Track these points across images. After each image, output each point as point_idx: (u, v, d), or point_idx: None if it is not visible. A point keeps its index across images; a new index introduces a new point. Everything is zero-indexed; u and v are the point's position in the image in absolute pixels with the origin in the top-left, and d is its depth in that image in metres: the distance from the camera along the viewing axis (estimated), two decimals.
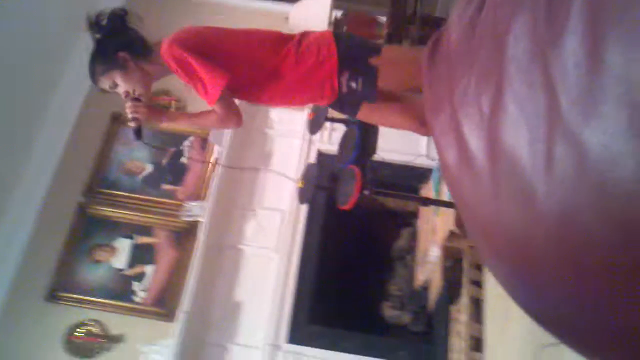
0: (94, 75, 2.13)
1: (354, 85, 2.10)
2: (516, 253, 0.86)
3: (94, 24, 2.08)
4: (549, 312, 0.85)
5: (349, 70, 2.09)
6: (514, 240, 0.84)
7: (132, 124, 2.17)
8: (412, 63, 2.20)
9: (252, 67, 2.12)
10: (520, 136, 0.79)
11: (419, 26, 3.63)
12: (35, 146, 3.81)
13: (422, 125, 2.32)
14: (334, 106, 2.29)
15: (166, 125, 2.23)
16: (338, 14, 3.87)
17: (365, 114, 2.31)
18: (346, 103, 2.22)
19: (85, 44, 2.10)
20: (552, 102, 0.72)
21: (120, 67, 2.08)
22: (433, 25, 3.78)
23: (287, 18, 3.81)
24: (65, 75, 4.03)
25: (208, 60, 2.01)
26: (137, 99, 2.10)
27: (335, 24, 3.81)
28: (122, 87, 2.11)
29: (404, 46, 3.01)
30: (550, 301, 0.82)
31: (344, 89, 2.10)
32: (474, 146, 0.90)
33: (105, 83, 2.11)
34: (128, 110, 2.14)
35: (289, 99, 2.26)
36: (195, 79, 2.01)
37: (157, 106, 2.26)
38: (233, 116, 2.11)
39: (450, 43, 1.03)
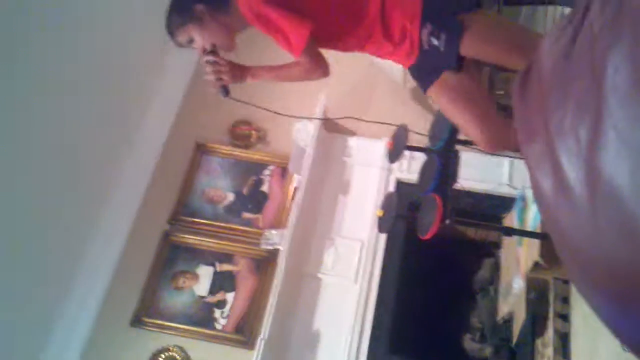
0: (170, 29, 2.10)
1: (435, 41, 1.94)
2: (619, 284, 0.83)
3: None
4: None
5: (431, 23, 1.93)
6: (617, 271, 0.82)
7: (214, 86, 2.13)
8: (510, 33, 2.03)
9: (336, 14, 2.04)
10: (621, 166, 0.77)
11: None
12: (124, 174, 3.96)
13: (488, 142, 2.19)
14: (412, 71, 2.17)
15: (250, 82, 2.15)
16: None
17: (437, 91, 2.14)
18: (424, 67, 2.08)
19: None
20: None
21: (196, 21, 2.04)
22: None
23: None
24: (151, 107, 4.19)
25: (288, 10, 1.93)
26: (213, 53, 2.07)
27: None
28: (198, 42, 2.07)
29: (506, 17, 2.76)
30: None
31: (425, 45, 1.96)
32: (572, 176, 0.88)
33: (182, 37, 2.09)
34: (208, 70, 2.11)
35: (373, 47, 2.15)
36: (275, 31, 1.96)
37: (236, 64, 2.20)
38: (319, 66, 2.05)
39: (542, 73, 1.01)
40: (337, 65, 4.22)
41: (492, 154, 2.79)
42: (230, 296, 3.65)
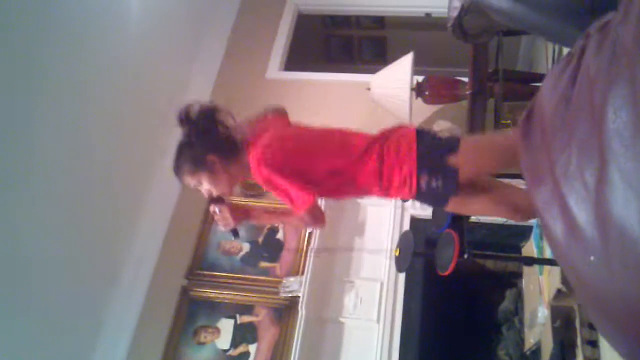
0: (179, 172, 2.22)
1: (434, 184, 2.10)
2: (637, 324, 0.82)
3: (184, 119, 2.17)
4: None
5: (427, 173, 2.09)
6: (634, 311, 0.81)
7: (223, 228, 2.29)
8: (491, 148, 2.23)
9: (335, 174, 2.17)
10: (629, 209, 0.78)
11: (501, 83, 3.59)
12: (140, 231, 3.97)
13: (516, 212, 2.34)
14: (419, 199, 2.28)
15: (253, 222, 2.43)
16: (419, 78, 3.90)
17: (454, 207, 2.32)
18: (429, 199, 2.26)
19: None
20: None
21: (208, 169, 2.15)
22: (516, 80, 3.74)
23: (368, 89, 3.87)
24: (162, 164, 4.23)
25: (294, 178, 2.06)
26: (218, 201, 2.21)
27: (418, 88, 3.83)
28: (205, 187, 2.21)
29: (481, 135, 3.03)
30: None
31: (423, 189, 2.10)
32: (581, 219, 0.89)
33: (190, 181, 2.21)
34: (216, 219, 2.27)
35: (367, 194, 2.29)
36: (282, 194, 2.07)
37: (239, 208, 2.42)
38: (318, 221, 2.15)
39: (545, 116, 1.03)
40: (341, 108, 4.29)
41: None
42: (252, 348, 3.62)
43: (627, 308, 0.83)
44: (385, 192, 2.17)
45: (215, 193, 2.21)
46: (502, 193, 2.38)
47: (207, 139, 2.15)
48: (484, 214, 2.47)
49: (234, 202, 2.43)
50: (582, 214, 0.89)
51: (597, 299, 0.92)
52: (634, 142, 0.77)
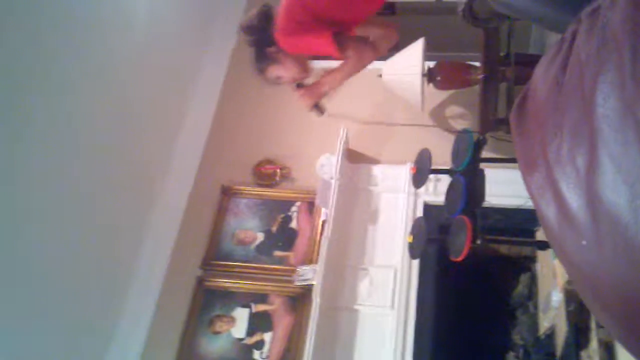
0: (258, 73, 2.54)
1: None
2: (628, 309, 0.84)
3: (248, 27, 2.41)
4: None
5: None
6: (624, 296, 0.83)
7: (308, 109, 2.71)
8: None
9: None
10: (619, 193, 0.79)
11: (513, 66, 3.57)
12: (154, 224, 4.01)
13: None
14: None
15: (331, 91, 2.85)
16: (430, 64, 3.88)
17: None
18: None
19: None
20: None
21: (274, 61, 2.45)
22: (528, 64, 3.70)
23: (380, 75, 3.85)
24: (174, 156, 4.26)
25: (308, 30, 2.33)
26: (298, 86, 2.59)
27: (429, 74, 3.81)
28: (284, 77, 2.52)
29: None
30: None
31: None
32: (573, 204, 0.89)
33: (269, 77, 2.54)
34: (300, 102, 2.65)
35: None
36: (312, 48, 2.36)
37: (312, 88, 2.77)
38: (367, 50, 2.49)
39: (537, 102, 1.03)
40: (353, 96, 4.29)
41: None
42: (268, 336, 3.64)
43: (618, 293, 0.84)
44: None
45: (292, 79, 2.55)
46: None
47: (264, 34, 2.43)
48: None
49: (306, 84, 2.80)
50: (573, 198, 0.89)
51: (589, 283, 0.93)
52: (623, 126, 0.78)
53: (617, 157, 0.79)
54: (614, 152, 0.79)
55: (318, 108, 2.81)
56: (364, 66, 2.74)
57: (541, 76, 1.04)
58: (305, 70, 2.64)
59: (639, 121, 0.74)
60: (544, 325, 3.33)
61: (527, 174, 1.05)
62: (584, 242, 0.88)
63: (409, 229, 3.39)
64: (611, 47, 0.82)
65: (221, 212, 4.09)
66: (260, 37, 2.49)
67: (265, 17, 2.49)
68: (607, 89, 0.81)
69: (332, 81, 2.76)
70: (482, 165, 3.02)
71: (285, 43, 2.39)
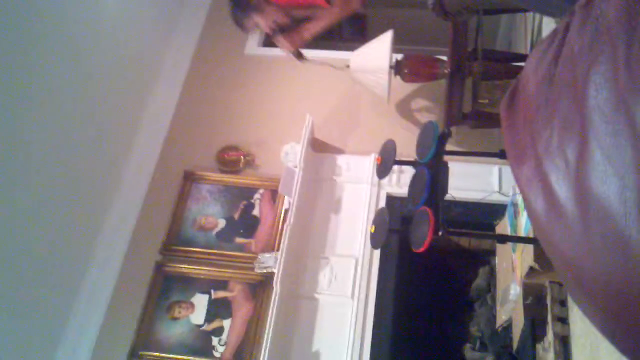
0: (237, 22, 2.61)
1: None
2: (615, 301, 0.84)
3: None
4: None
5: None
6: (612, 288, 0.83)
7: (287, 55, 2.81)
8: None
9: None
10: (609, 184, 0.79)
11: (480, 62, 3.60)
12: (114, 207, 3.95)
13: None
14: None
15: (310, 37, 2.92)
16: (398, 57, 3.89)
17: None
18: None
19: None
20: (639, 151, 0.73)
21: (255, 9, 2.51)
22: (495, 60, 3.74)
23: (348, 66, 3.85)
24: (137, 139, 4.20)
25: None
26: (276, 32, 2.58)
27: (397, 66, 3.82)
28: (263, 25, 2.58)
29: None
30: None
31: None
32: (562, 195, 0.90)
33: (248, 25, 2.61)
34: (280, 47, 2.74)
35: None
36: None
37: (292, 34, 2.87)
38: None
39: (528, 94, 1.04)
40: (320, 85, 4.28)
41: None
42: (227, 323, 3.62)
43: (606, 285, 0.84)
44: None
45: (272, 25, 2.62)
46: None
47: None
48: None
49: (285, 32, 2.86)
50: (562, 190, 0.90)
51: (576, 275, 0.93)
52: (615, 118, 0.78)
53: (608, 149, 0.79)
54: (605, 143, 0.80)
55: (299, 54, 2.91)
56: (346, 15, 2.83)
57: (533, 68, 1.04)
58: (285, 18, 2.73)
59: (631, 113, 0.75)
60: (501, 317, 3.38)
61: (516, 166, 1.05)
62: (572, 235, 0.88)
63: (371, 219, 3.40)
64: (605, 39, 0.83)
65: (183, 198, 4.04)
66: None
67: None
68: (599, 80, 0.82)
69: (314, 27, 2.83)
70: (446, 158, 3.04)
71: None
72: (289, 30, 2.83)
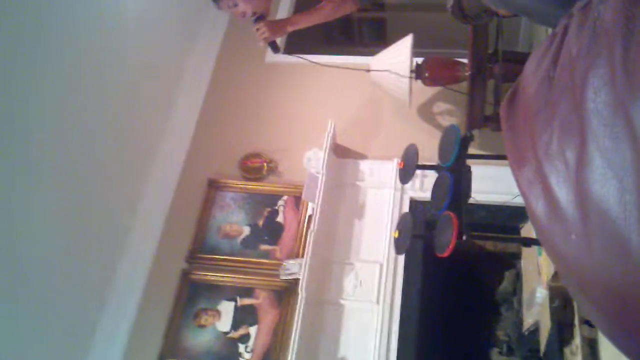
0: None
1: None
2: (615, 303, 0.84)
3: None
4: None
5: None
6: (612, 290, 0.83)
7: (262, 43, 2.64)
8: None
9: None
10: (608, 187, 0.79)
11: (501, 63, 3.57)
12: (140, 217, 3.99)
13: None
14: None
15: (292, 30, 2.79)
16: (418, 60, 3.88)
17: None
18: None
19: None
20: (638, 154, 0.73)
21: None
22: (516, 61, 3.72)
23: (368, 70, 3.85)
24: (161, 148, 4.24)
25: None
26: (257, 20, 2.50)
27: (417, 70, 3.81)
28: (240, 7, 2.45)
29: None
30: None
31: None
32: (562, 198, 0.90)
33: (225, 3, 2.47)
34: (256, 34, 2.56)
35: None
36: None
37: (277, 22, 2.77)
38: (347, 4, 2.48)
39: (528, 96, 1.04)
40: (341, 91, 4.29)
41: None
42: (253, 330, 3.64)
43: (606, 287, 0.84)
44: None
45: (250, 10, 2.49)
46: None
47: None
48: None
49: (271, 19, 2.78)
50: (562, 193, 0.90)
51: (577, 277, 0.93)
52: (613, 121, 0.78)
53: (607, 152, 0.79)
54: (604, 146, 0.80)
55: (274, 45, 2.76)
56: (338, 16, 2.72)
57: (532, 71, 1.05)
58: (268, 9, 2.62)
59: (629, 115, 0.75)
60: (527, 321, 3.36)
61: (517, 168, 1.05)
62: (572, 237, 0.88)
63: (395, 224, 3.40)
64: (603, 42, 0.83)
65: (207, 206, 4.08)
66: None
67: None
68: (598, 83, 0.82)
69: (300, 21, 2.75)
70: (468, 161, 3.03)
71: None
72: (272, 20, 2.76)
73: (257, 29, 2.58)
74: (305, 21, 2.72)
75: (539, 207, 0.97)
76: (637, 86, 0.73)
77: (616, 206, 0.77)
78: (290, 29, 2.73)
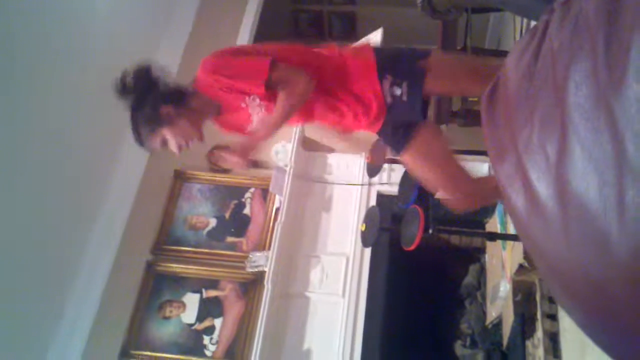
0: (141, 139, 2.09)
1: (397, 91, 1.96)
2: (594, 297, 0.84)
3: (122, 88, 2.04)
4: (632, 355, 0.83)
5: (390, 74, 1.96)
6: (591, 284, 0.83)
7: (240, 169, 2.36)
8: (469, 65, 2.13)
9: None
10: (589, 181, 0.79)
11: None
12: (104, 206, 3.93)
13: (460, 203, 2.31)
14: (382, 136, 2.19)
15: (262, 144, 2.11)
16: None
17: (410, 155, 2.19)
18: (393, 125, 2.11)
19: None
20: (619, 148, 0.72)
21: (166, 123, 2.02)
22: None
23: None
24: (127, 137, 4.18)
25: (243, 56, 2.07)
26: (214, 148, 2.15)
27: None
28: (173, 142, 2.05)
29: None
30: (634, 345, 0.79)
31: (388, 98, 1.98)
32: (542, 192, 0.89)
33: (156, 143, 2.07)
34: (229, 165, 2.29)
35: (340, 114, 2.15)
36: (237, 81, 2.01)
37: (240, 144, 2.09)
38: (297, 82, 1.97)
39: (508, 90, 1.03)
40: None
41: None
42: (218, 322, 3.62)
43: (585, 282, 0.84)
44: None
45: (184, 143, 2.08)
46: (459, 175, 2.31)
47: (152, 96, 2.04)
48: (431, 181, 2.36)
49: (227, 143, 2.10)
50: (542, 187, 0.90)
51: (556, 272, 0.93)
52: (595, 114, 0.78)
53: (588, 145, 0.79)
54: (585, 140, 0.79)
55: (253, 163, 2.14)
56: (297, 104, 2.06)
57: (513, 64, 1.04)
58: (200, 135, 2.15)
59: (611, 109, 0.75)
60: (491, 314, 3.40)
61: (497, 163, 1.05)
62: (552, 231, 0.88)
63: (362, 217, 3.41)
64: (585, 36, 0.83)
65: (173, 197, 4.04)
66: (148, 97, 2.05)
67: (146, 75, 2.09)
68: (579, 77, 0.82)
69: (266, 136, 2.08)
70: None
71: (210, 67, 2.10)
72: (238, 144, 2.07)
73: (225, 159, 2.04)
74: (270, 133, 2.07)
75: (519, 201, 0.97)
76: (619, 80, 0.73)
77: (596, 200, 0.77)
78: (260, 145, 2.12)
